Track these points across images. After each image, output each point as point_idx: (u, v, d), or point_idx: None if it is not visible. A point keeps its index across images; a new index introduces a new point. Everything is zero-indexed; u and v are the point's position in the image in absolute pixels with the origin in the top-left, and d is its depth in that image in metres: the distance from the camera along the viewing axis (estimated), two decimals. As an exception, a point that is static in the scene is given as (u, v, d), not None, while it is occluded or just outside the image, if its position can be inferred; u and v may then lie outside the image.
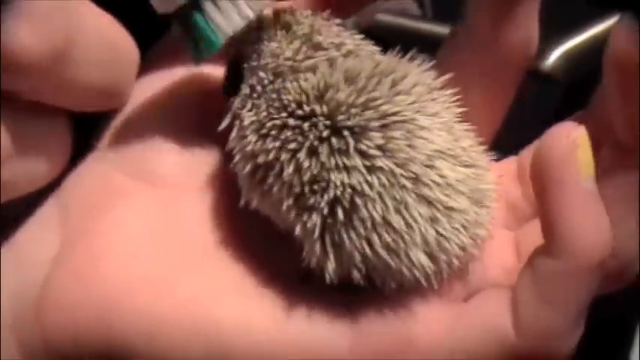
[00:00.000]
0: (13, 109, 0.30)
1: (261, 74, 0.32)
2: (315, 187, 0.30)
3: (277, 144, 0.31)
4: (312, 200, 0.30)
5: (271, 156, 0.31)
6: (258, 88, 0.32)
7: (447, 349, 0.31)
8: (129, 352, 0.31)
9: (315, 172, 0.30)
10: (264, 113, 0.31)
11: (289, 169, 0.30)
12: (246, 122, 0.31)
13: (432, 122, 0.31)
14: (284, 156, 0.31)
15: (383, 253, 0.30)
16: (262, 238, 0.33)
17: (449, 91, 0.32)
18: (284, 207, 0.31)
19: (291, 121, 0.31)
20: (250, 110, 0.32)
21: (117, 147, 0.34)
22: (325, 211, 0.30)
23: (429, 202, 0.30)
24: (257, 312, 0.31)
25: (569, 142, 0.30)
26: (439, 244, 0.31)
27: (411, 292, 0.32)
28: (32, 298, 0.32)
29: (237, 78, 0.32)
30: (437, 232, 0.31)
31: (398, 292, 0.31)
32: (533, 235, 0.33)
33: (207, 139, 0.34)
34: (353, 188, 0.30)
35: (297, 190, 0.31)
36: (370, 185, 0.30)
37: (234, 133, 0.32)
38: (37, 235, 0.33)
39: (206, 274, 0.32)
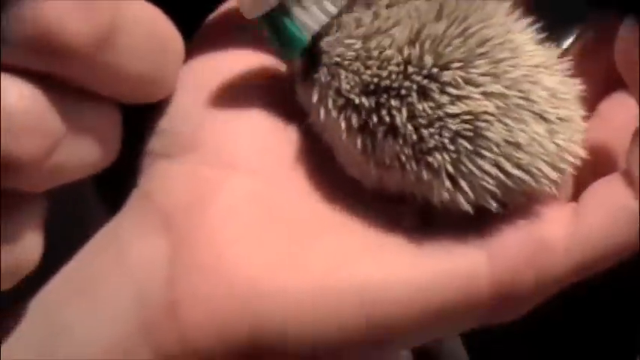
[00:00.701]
0: (62, 93, 0.29)
1: (349, 41, 0.32)
2: (432, 129, 0.31)
3: (385, 96, 0.31)
4: (432, 142, 0.31)
5: (383, 111, 0.31)
6: (349, 54, 0.32)
7: (580, 241, 0.32)
8: (280, 335, 0.31)
9: (429, 112, 0.31)
10: (367, 71, 0.31)
11: (403, 117, 0.31)
12: (345, 87, 0.31)
13: (524, 39, 0.32)
14: (394, 103, 0.31)
15: (516, 172, 0.31)
16: (367, 198, 0.33)
17: (519, 10, 0.33)
18: (403, 158, 0.31)
19: (395, 68, 0.31)
20: (347, 76, 0.32)
21: (189, 144, 0.33)
22: (450, 147, 0.31)
23: (543, 117, 0.31)
24: (393, 261, 0.32)
25: None
26: (558, 155, 0.32)
27: (530, 202, 0.33)
28: (160, 301, 0.31)
29: (314, 58, 0.33)
30: (555, 143, 0.32)
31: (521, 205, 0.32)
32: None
33: (276, 121, 0.34)
34: (472, 114, 0.30)
35: (414, 137, 0.31)
36: (488, 109, 0.30)
37: (326, 107, 0.32)
38: (144, 242, 0.32)
39: (330, 240, 0.32)
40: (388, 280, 0.31)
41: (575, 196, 0.34)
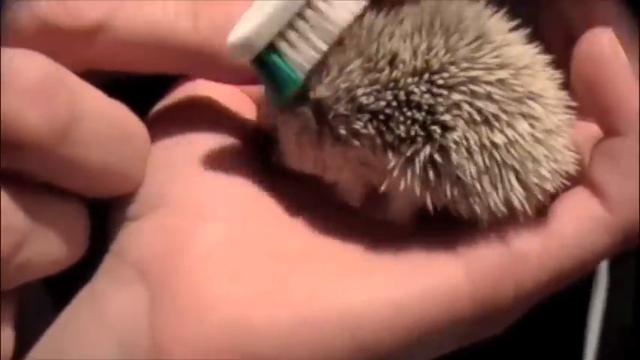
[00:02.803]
0: (25, 188, 0.30)
1: (347, 68, 0.31)
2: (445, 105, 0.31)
3: (403, 80, 0.31)
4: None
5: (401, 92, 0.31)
6: (356, 73, 0.31)
7: (554, 250, 0.32)
8: None
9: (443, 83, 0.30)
10: (381, 75, 0.31)
11: (420, 89, 0.30)
12: (366, 102, 0.31)
13: (515, 39, 0.32)
14: (410, 80, 0.31)
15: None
16: (342, 224, 0.34)
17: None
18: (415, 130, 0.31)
19: (407, 54, 0.31)
20: (364, 91, 0.31)
21: (156, 203, 0.33)
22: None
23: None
24: (373, 283, 0.31)
25: (609, 39, 0.33)
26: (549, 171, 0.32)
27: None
28: (145, 347, 0.31)
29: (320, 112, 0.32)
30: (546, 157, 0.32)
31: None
32: None
33: (240, 170, 0.34)
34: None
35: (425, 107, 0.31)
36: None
37: (353, 132, 0.31)
38: (121, 295, 0.32)
39: (308, 269, 0.32)
40: (371, 302, 0.31)
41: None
